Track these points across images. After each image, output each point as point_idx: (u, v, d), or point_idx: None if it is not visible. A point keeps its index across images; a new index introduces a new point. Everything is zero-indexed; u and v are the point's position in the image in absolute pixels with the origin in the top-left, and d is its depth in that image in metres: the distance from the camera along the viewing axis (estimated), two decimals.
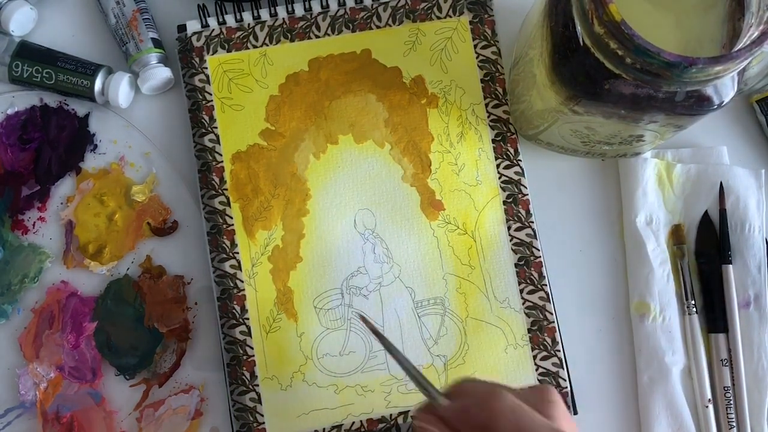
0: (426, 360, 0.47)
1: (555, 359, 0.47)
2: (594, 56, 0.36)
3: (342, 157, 0.49)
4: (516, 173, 0.49)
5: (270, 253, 0.47)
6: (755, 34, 0.34)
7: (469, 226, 0.48)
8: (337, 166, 0.49)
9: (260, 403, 0.46)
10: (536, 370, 0.47)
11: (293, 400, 0.46)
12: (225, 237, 0.47)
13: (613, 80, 0.37)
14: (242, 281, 0.47)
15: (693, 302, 0.48)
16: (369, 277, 0.48)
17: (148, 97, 0.50)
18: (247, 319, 0.47)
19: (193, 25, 0.49)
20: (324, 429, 0.46)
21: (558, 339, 0.47)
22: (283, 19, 0.50)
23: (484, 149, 0.49)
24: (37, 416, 0.46)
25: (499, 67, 0.50)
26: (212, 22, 0.49)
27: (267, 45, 0.49)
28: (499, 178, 0.49)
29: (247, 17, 0.50)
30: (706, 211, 0.49)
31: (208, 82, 0.49)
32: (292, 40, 0.50)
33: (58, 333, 0.47)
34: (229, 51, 0.49)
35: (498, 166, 0.49)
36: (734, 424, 0.46)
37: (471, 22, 0.50)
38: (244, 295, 0.47)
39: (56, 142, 0.49)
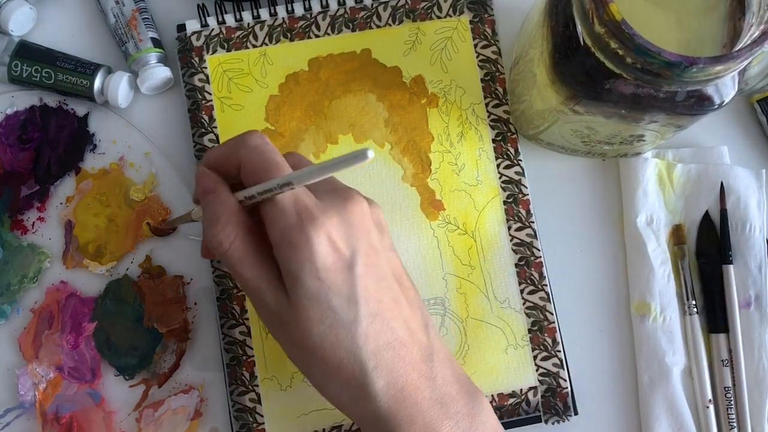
0: None
1: (555, 359, 0.47)
2: (594, 56, 0.36)
3: None
4: (516, 173, 0.49)
5: None
6: (756, 34, 0.34)
7: (469, 226, 0.48)
8: None
9: (260, 403, 0.46)
10: (537, 370, 0.47)
11: (293, 400, 0.46)
12: None
13: (614, 80, 0.36)
14: None
15: (693, 302, 0.48)
16: None
17: (148, 97, 0.50)
18: (247, 319, 0.47)
19: (192, 25, 0.49)
20: (324, 429, 0.46)
21: (558, 339, 0.47)
22: (283, 18, 0.50)
23: (485, 149, 0.49)
24: (36, 416, 0.46)
25: (499, 66, 0.50)
26: (212, 21, 0.49)
27: (267, 44, 0.49)
28: (500, 178, 0.49)
29: (247, 17, 0.50)
30: (706, 211, 0.49)
31: (207, 81, 0.49)
32: (291, 40, 0.50)
33: (57, 333, 0.47)
34: (228, 51, 0.49)
35: (498, 166, 0.49)
36: (735, 424, 0.46)
37: (471, 22, 0.50)
38: (244, 295, 0.47)
39: (56, 142, 0.49)
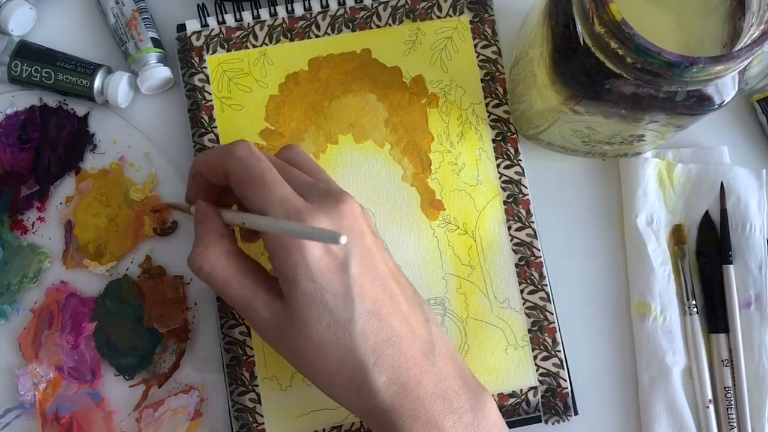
0: None
1: (555, 359, 0.47)
2: (594, 56, 0.36)
3: (342, 157, 0.49)
4: (516, 173, 0.49)
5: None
6: (756, 34, 0.34)
7: (469, 226, 0.48)
8: (337, 166, 0.48)
9: (260, 403, 0.46)
10: (537, 370, 0.47)
11: (293, 400, 0.46)
12: None
13: (614, 80, 0.36)
14: None
15: (694, 302, 0.48)
16: None
17: (148, 97, 0.50)
18: None
19: (192, 25, 0.49)
20: (324, 429, 0.46)
21: (558, 339, 0.47)
22: (283, 18, 0.50)
23: (485, 149, 0.49)
24: (36, 417, 0.46)
25: (499, 66, 0.50)
26: (212, 21, 0.49)
27: (267, 44, 0.49)
28: (500, 177, 0.49)
29: (247, 17, 0.50)
30: (706, 211, 0.49)
31: (207, 81, 0.49)
32: (291, 40, 0.50)
33: (57, 333, 0.47)
34: (228, 50, 0.49)
35: (498, 165, 0.49)
36: (735, 424, 0.46)
37: (471, 22, 0.50)
38: None
39: (56, 142, 0.49)
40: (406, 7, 0.50)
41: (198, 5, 0.49)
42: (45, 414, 0.46)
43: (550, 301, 0.47)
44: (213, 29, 0.49)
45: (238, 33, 0.49)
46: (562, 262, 0.49)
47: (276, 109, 0.49)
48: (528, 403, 0.46)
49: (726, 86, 0.37)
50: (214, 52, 0.49)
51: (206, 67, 0.49)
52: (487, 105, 0.50)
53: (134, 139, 0.49)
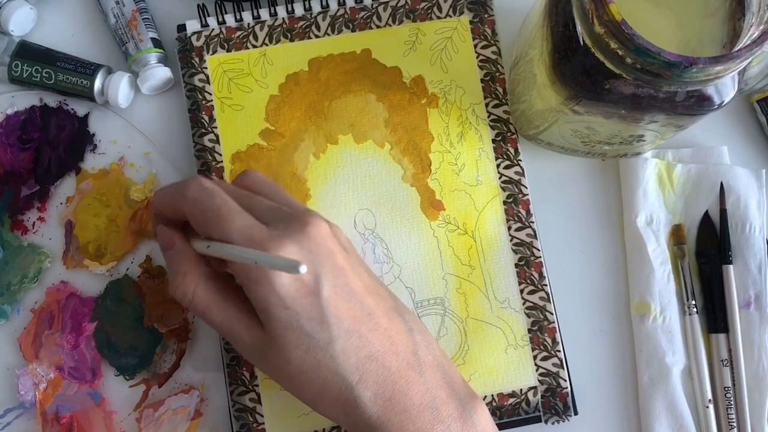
0: None
1: (555, 359, 0.47)
2: (594, 56, 0.36)
3: (342, 157, 0.49)
4: (516, 173, 0.49)
5: None
6: (756, 34, 0.34)
7: (469, 226, 0.48)
8: (336, 166, 0.48)
9: (260, 403, 0.46)
10: (536, 370, 0.47)
11: (293, 400, 0.45)
12: None
13: (614, 80, 0.36)
14: None
15: (693, 302, 0.48)
16: None
17: (148, 97, 0.50)
18: None
19: (192, 25, 0.49)
20: (324, 429, 0.46)
21: (558, 339, 0.47)
22: (283, 18, 0.50)
23: (485, 149, 0.49)
24: (36, 417, 0.46)
25: (499, 66, 0.50)
26: (212, 21, 0.49)
27: (267, 45, 0.49)
28: (500, 178, 0.49)
29: (247, 17, 0.50)
30: (706, 211, 0.49)
31: (207, 81, 0.49)
32: (291, 40, 0.50)
33: (57, 333, 0.47)
34: (228, 51, 0.49)
35: (498, 166, 0.49)
36: (734, 424, 0.46)
37: (471, 22, 0.50)
38: None
39: (56, 142, 0.49)
40: (406, 7, 0.50)
41: (198, 5, 0.49)
42: (45, 414, 0.46)
43: (549, 301, 0.47)
44: (213, 29, 0.49)
45: (238, 33, 0.49)
46: (562, 263, 0.49)
47: (276, 109, 0.49)
48: (528, 403, 0.46)
49: (726, 86, 0.37)
50: (215, 52, 0.49)
51: (206, 68, 0.49)
52: (487, 105, 0.50)
53: (134, 139, 0.50)
